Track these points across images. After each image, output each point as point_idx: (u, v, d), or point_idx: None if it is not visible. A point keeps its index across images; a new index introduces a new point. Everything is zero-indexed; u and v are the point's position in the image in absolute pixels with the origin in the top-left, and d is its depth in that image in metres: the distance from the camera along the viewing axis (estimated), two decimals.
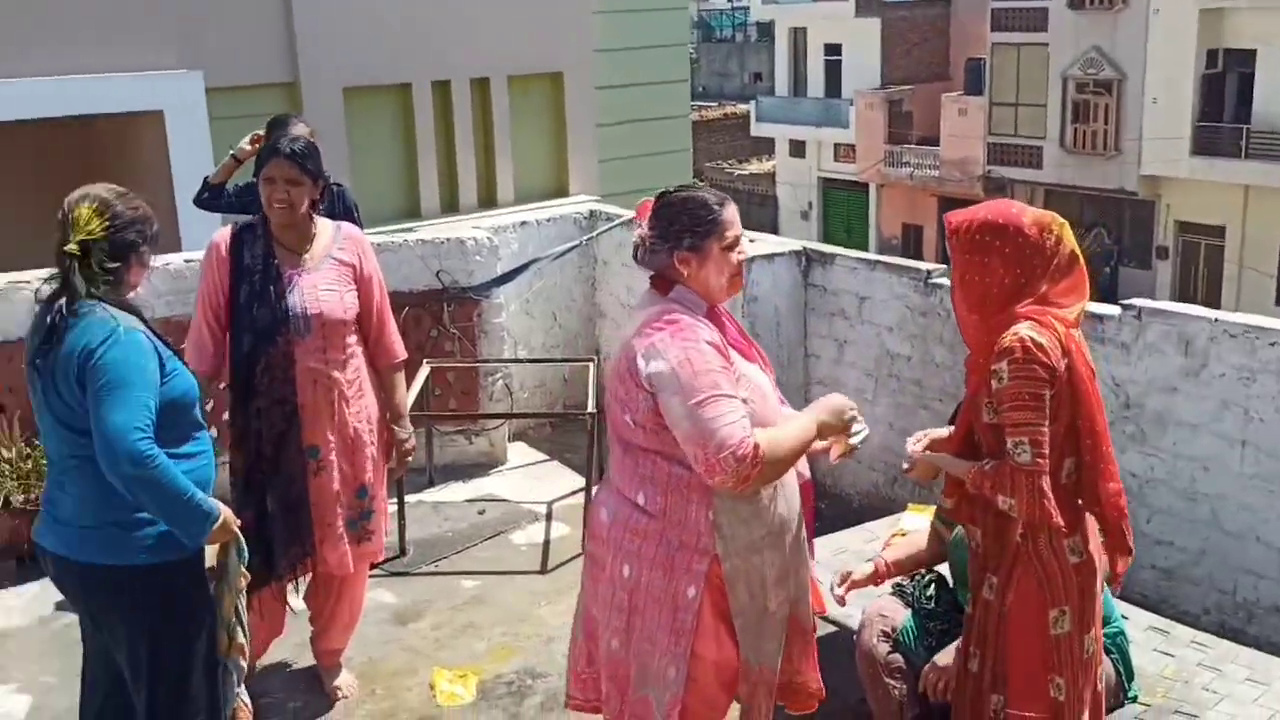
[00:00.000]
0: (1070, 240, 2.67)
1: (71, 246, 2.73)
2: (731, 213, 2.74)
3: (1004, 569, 2.71)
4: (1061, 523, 2.59)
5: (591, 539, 2.87)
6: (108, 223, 2.76)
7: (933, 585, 3.43)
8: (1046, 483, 2.55)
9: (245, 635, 3.03)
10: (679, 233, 2.70)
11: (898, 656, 3.33)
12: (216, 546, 2.96)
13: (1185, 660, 3.48)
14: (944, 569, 3.47)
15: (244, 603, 3.04)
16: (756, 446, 2.52)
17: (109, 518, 2.76)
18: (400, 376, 3.95)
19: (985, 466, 2.63)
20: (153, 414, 2.68)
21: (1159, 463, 4.26)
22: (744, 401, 2.61)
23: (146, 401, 2.67)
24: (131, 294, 2.88)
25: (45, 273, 5.09)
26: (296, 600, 3.96)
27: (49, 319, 2.73)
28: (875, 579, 3.38)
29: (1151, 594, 4.19)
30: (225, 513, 2.87)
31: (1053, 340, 2.56)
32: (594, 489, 3.00)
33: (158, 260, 5.39)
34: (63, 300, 2.73)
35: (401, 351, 3.95)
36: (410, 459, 4.00)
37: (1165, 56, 24.77)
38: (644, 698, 2.79)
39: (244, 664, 3.06)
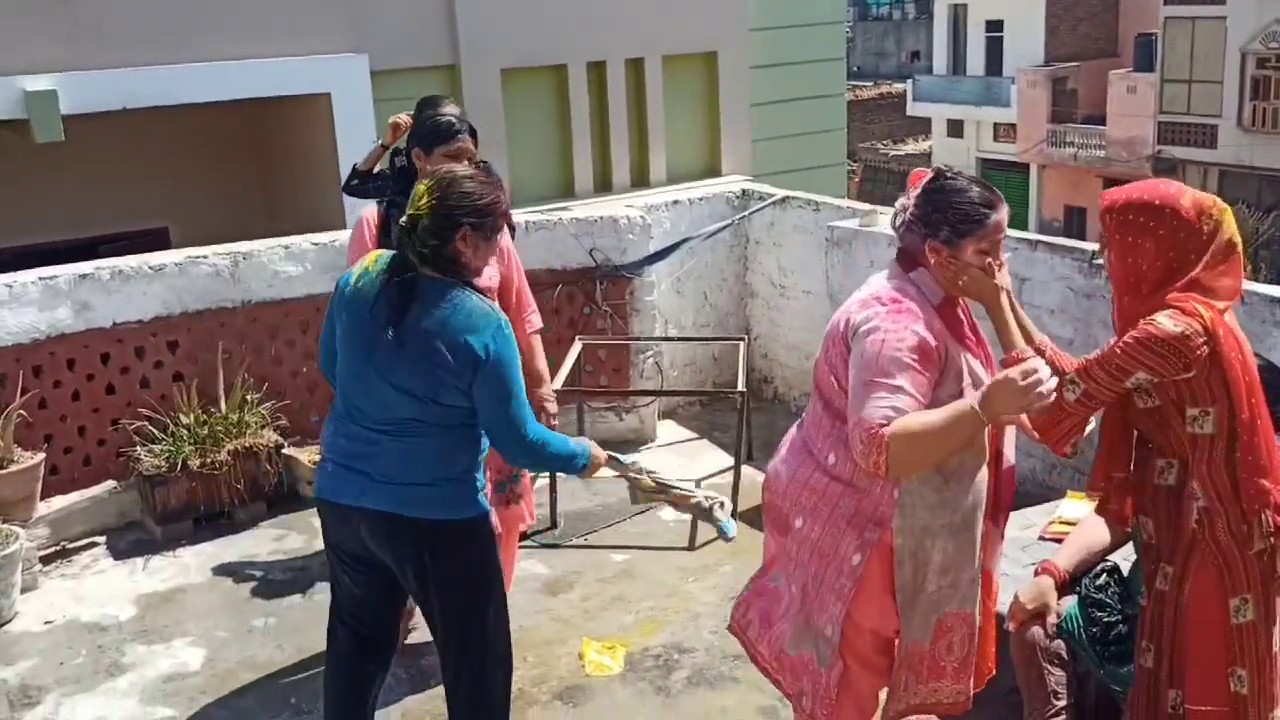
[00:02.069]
0: (1231, 226, 2.56)
1: (403, 220, 2.85)
2: (1000, 217, 2.67)
3: (1179, 558, 2.62)
4: (1067, 451, 2.60)
5: (769, 490, 2.93)
6: (434, 200, 2.83)
7: (1104, 574, 3.31)
8: (1072, 421, 2.54)
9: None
10: (939, 222, 2.65)
11: (1060, 644, 3.24)
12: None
13: None
14: (1115, 556, 3.36)
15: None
16: (883, 435, 2.48)
17: (439, 474, 2.88)
18: (539, 343, 4.11)
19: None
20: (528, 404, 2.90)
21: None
22: (951, 398, 2.59)
23: (524, 388, 2.89)
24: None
25: (224, 248, 5.41)
26: None
27: (399, 290, 2.81)
28: (1059, 589, 3.28)
29: None
30: (594, 451, 3.09)
31: (1193, 326, 2.47)
32: (783, 443, 2.98)
33: (322, 236, 5.64)
34: (406, 275, 2.83)
35: (539, 320, 4.10)
36: (555, 422, 4.11)
37: None
38: (804, 655, 2.86)
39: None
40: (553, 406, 4.11)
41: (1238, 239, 2.58)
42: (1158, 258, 2.53)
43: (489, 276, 3.80)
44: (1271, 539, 2.56)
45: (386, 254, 2.95)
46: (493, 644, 3.06)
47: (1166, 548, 2.64)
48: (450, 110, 4.62)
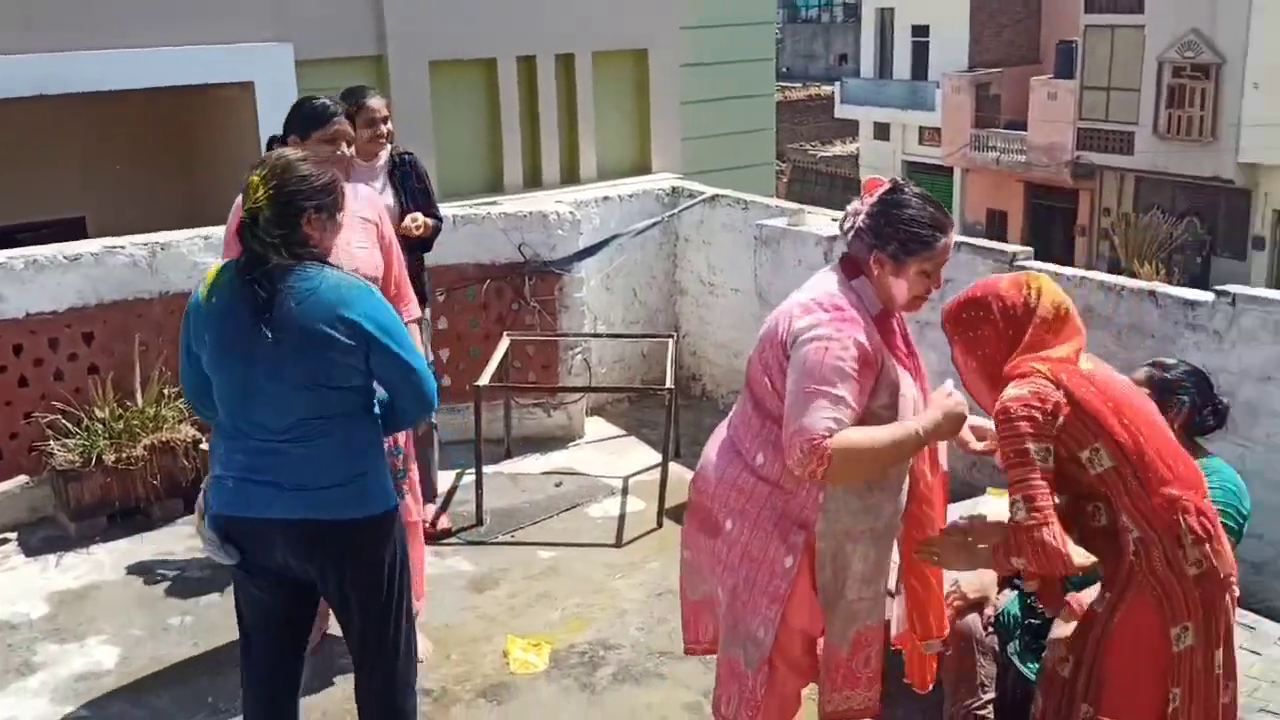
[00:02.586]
0: (1051, 293, 2.73)
1: (243, 216, 2.77)
2: (948, 241, 2.72)
3: (1117, 587, 2.66)
4: (1081, 565, 2.58)
5: (696, 491, 2.91)
6: (272, 190, 2.76)
7: None
8: (1049, 532, 2.53)
9: None
10: (889, 237, 2.67)
11: (994, 637, 3.30)
12: None
13: (1272, 658, 3.39)
14: None
15: None
16: (825, 447, 2.52)
17: (350, 473, 2.82)
18: (417, 332, 4.04)
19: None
20: None
21: (1250, 454, 4.15)
22: (883, 408, 2.64)
23: (412, 339, 2.90)
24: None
25: (142, 238, 5.29)
26: None
27: (259, 285, 2.72)
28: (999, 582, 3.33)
29: (1239, 589, 4.07)
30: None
31: (1035, 384, 2.59)
32: (708, 444, 2.95)
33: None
34: (268, 269, 2.74)
35: (417, 310, 4.08)
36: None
37: (1269, 40, 23.97)
38: (731, 656, 2.85)
39: None
40: None
41: (1062, 301, 2.73)
42: (999, 340, 2.69)
43: (374, 267, 3.76)
44: (1202, 554, 2.60)
45: (225, 264, 2.88)
46: (407, 640, 3.04)
47: (1109, 579, 2.70)
48: (373, 101, 4.60)
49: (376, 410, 2.93)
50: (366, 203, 3.86)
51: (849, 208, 2.76)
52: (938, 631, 3.01)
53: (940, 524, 2.92)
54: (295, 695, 3.08)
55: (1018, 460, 2.56)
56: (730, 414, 2.94)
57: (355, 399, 2.83)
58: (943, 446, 2.95)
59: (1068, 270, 4.76)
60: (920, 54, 33.09)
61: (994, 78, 31.38)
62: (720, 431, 2.94)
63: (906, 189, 2.73)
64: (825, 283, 2.71)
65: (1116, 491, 2.60)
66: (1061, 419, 2.57)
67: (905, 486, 2.83)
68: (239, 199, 3.74)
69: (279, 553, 2.87)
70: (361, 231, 3.77)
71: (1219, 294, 4.25)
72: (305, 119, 3.75)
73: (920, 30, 32.98)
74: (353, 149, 3.84)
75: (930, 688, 3.13)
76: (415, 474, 4.05)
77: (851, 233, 2.73)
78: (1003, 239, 28.39)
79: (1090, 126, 27.98)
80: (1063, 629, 3.09)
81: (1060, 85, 28.95)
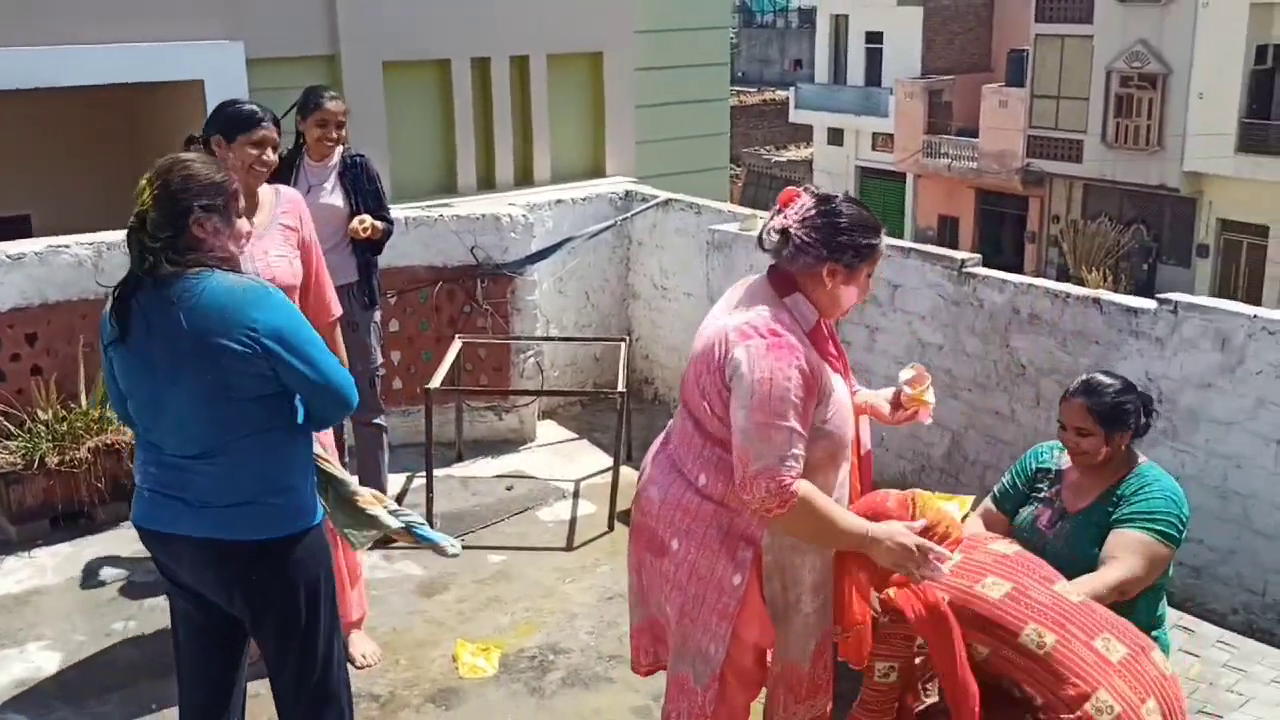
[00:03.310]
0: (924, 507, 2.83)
1: (130, 220, 2.66)
2: (885, 244, 2.75)
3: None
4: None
5: (640, 513, 2.87)
6: (157, 190, 2.65)
7: None
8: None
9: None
10: (843, 247, 2.63)
11: None
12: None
13: (1211, 660, 3.46)
14: None
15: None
16: (794, 493, 2.53)
17: (257, 492, 2.71)
18: (338, 333, 4.02)
19: None
20: None
21: (1190, 459, 4.22)
22: (824, 423, 2.63)
23: (316, 336, 2.76)
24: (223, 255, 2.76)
25: (87, 238, 5.21)
26: None
27: (135, 297, 2.63)
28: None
29: (1178, 592, 4.15)
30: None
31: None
32: (647, 461, 2.93)
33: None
34: (156, 278, 2.63)
35: (339, 308, 4.02)
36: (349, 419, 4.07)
37: (1213, 51, 24.44)
38: (681, 675, 2.83)
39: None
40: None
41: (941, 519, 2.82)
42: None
43: (293, 275, 3.70)
44: None
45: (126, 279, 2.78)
46: (329, 667, 2.91)
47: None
48: (330, 104, 4.57)
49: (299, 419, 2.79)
50: (289, 204, 3.81)
51: (772, 224, 2.67)
52: (862, 616, 2.99)
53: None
54: (227, 704, 2.97)
55: None
56: (667, 429, 2.90)
57: (266, 414, 2.69)
58: (865, 426, 2.99)
59: (1015, 277, 4.82)
60: (874, 60, 33.37)
61: (946, 85, 31.72)
62: (657, 448, 2.91)
63: (835, 197, 2.70)
64: (756, 303, 2.66)
65: None
66: None
67: (845, 498, 2.83)
68: None
69: (185, 569, 2.81)
70: (280, 237, 3.72)
71: (1161, 302, 4.33)
72: (231, 121, 3.66)
73: (874, 37, 33.26)
74: (276, 156, 3.75)
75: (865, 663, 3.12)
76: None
77: (793, 249, 2.65)
78: (954, 245, 28.79)
79: (1040, 134, 28.36)
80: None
81: (1011, 93, 29.33)
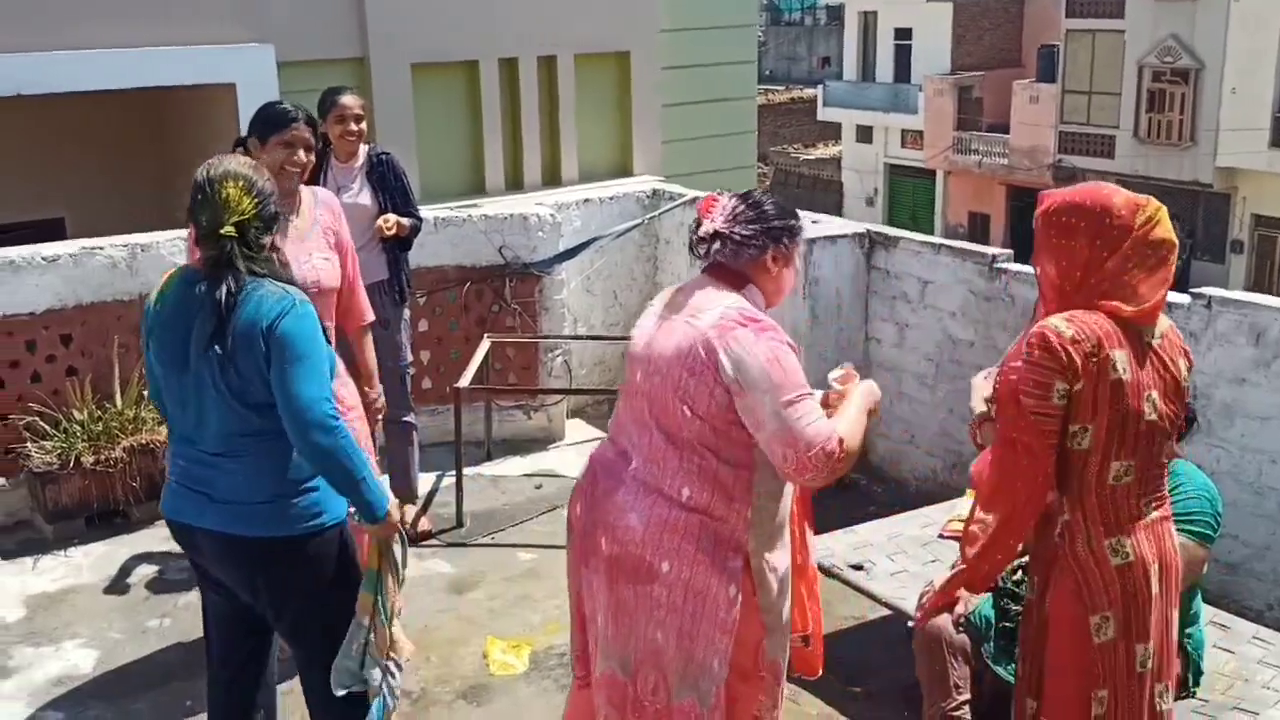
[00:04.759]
0: (1167, 229, 2.51)
1: (228, 229, 2.72)
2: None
3: (1042, 569, 2.60)
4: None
5: (617, 543, 2.71)
6: (256, 200, 2.76)
7: (1020, 570, 3.36)
8: (1030, 466, 2.47)
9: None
10: (779, 231, 2.71)
11: (965, 638, 3.31)
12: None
13: (1246, 657, 3.42)
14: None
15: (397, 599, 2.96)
16: (841, 441, 2.54)
17: (278, 491, 2.77)
18: (369, 339, 4.05)
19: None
20: (330, 385, 2.75)
21: (1225, 455, 4.18)
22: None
23: (325, 371, 2.74)
24: None
25: (121, 239, 5.26)
26: None
27: (219, 303, 2.69)
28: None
29: (1213, 588, 4.11)
30: (393, 505, 2.84)
31: (1084, 332, 2.44)
32: (591, 496, 2.81)
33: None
34: (229, 282, 2.70)
35: (371, 314, 4.05)
36: (380, 418, 4.11)
37: (1246, 45, 24.17)
38: (685, 704, 2.74)
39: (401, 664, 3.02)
40: (380, 403, 4.05)
41: (1170, 241, 2.52)
42: (1090, 256, 2.49)
43: (335, 279, 3.76)
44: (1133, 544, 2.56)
45: (177, 270, 2.86)
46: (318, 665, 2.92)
47: (1036, 557, 2.64)
48: (347, 100, 4.60)
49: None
50: (326, 207, 3.86)
51: (704, 230, 2.70)
52: (802, 625, 3.03)
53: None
54: (255, 687, 3.04)
55: (1039, 392, 2.44)
56: (613, 460, 2.80)
57: (278, 418, 2.73)
58: None
59: None
60: (903, 57, 33.21)
61: (976, 81, 31.52)
62: (601, 481, 2.79)
63: (753, 192, 2.80)
64: (717, 300, 2.66)
65: (1072, 474, 2.52)
66: (1082, 384, 2.44)
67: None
68: None
69: (210, 562, 2.88)
70: (322, 240, 3.77)
71: (1195, 296, 4.29)
72: (264, 122, 3.73)
73: (903, 33, 33.10)
74: (311, 156, 3.80)
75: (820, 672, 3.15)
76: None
77: (732, 248, 2.69)
78: (985, 242, 28.62)
79: (1071, 130, 28.13)
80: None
81: (1042, 89, 29.12)
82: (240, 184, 2.76)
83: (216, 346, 2.69)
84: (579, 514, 2.83)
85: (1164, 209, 2.54)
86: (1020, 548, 3.31)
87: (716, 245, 2.69)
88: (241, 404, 2.73)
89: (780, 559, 2.76)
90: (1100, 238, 2.49)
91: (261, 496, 2.77)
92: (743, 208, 2.72)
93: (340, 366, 3.83)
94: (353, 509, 2.86)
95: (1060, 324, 2.45)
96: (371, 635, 2.88)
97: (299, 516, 2.79)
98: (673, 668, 2.74)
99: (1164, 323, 2.59)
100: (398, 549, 2.89)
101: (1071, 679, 2.56)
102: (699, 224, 2.72)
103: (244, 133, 3.91)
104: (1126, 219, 2.48)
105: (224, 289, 2.69)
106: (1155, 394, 2.53)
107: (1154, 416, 2.53)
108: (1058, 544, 2.56)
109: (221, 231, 2.73)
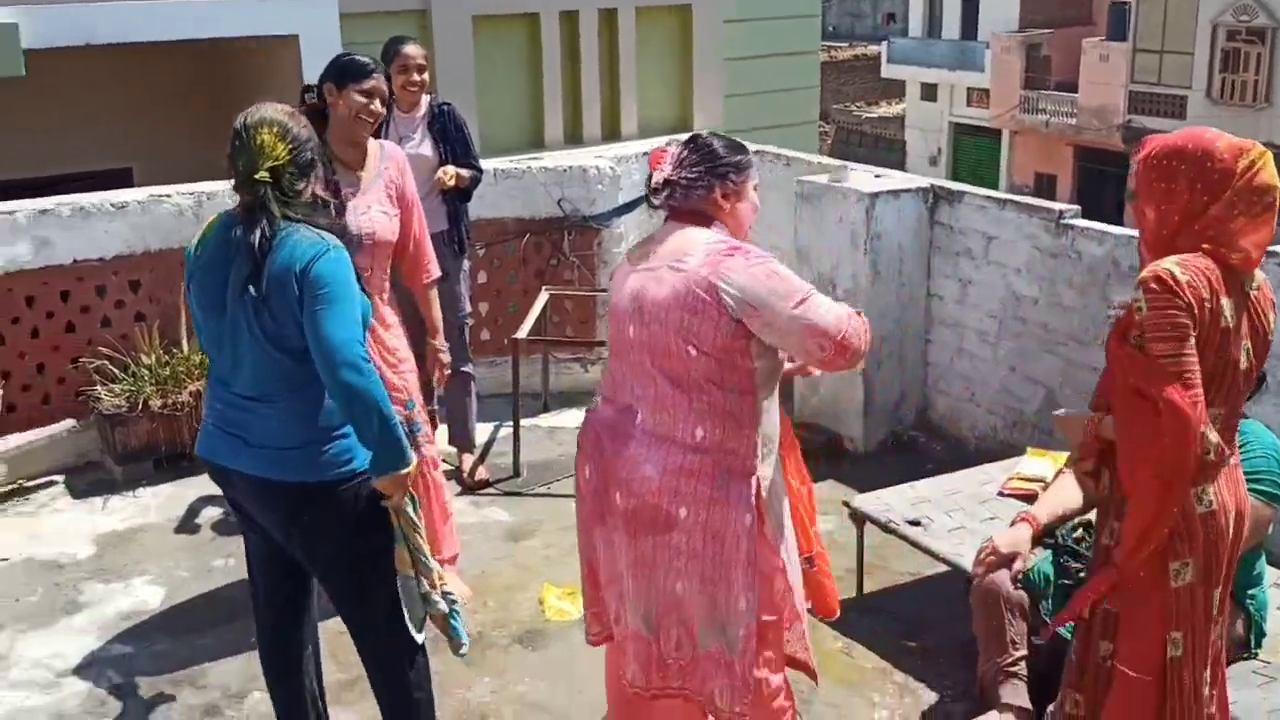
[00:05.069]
0: (1271, 174, 2.46)
1: (263, 174, 2.74)
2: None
3: (1126, 515, 2.58)
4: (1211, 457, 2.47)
5: (633, 496, 2.74)
6: (291, 145, 2.78)
7: (1080, 528, 3.34)
8: (1202, 412, 2.37)
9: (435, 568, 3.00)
10: (725, 167, 2.79)
11: (1023, 594, 3.28)
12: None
13: None
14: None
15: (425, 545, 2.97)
16: (865, 321, 2.75)
17: (310, 437, 2.80)
18: (435, 294, 4.06)
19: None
20: (362, 329, 2.75)
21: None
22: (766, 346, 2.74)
23: (358, 316, 2.74)
24: None
25: (187, 188, 5.34)
26: None
27: (254, 247, 2.72)
28: (1033, 541, 3.29)
29: (1278, 550, 4.04)
30: (411, 468, 2.82)
31: (1198, 278, 2.40)
32: (599, 458, 2.83)
33: None
34: (263, 226, 2.73)
35: (438, 270, 4.05)
36: (446, 372, 4.13)
37: None
38: (713, 651, 2.76)
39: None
40: (445, 357, 4.08)
41: (1275, 186, 2.47)
42: (1190, 200, 2.45)
43: (391, 233, 3.77)
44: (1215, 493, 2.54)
45: (222, 215, 2.87)
46: (383, 598, 2.94)
47: (1117, 504, 2.62)
48: (410, 50, 4.61)
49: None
50: (392, 160, 3.87)
51: (657, 179, 2.77)
52: (807, 547, 3.08)
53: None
54: (299, 626, 3.10)
55: (1173, 335, 2.38)
56: (615, 418, 2.82)
57: (313, 366, 2.74)
58: None
59: (1115, 229, 4.70)
60: (970, 13, 32.59)
61: (1044, 38, 30.84)
62: (617, 438, 2.79)
63: (699, 135, 2.85)
64: (697, 240, 2.72)
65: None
66: (1195, 329, 2.41)
67: (776, 418, 2.87)
68: None
69: (246, 503, 2.94)
70: (384, 193, 3.79)
71: (1269, 255, 4.17)
72: (343, 70, 3.76)
73: None
74: (384, 108, 3.83)
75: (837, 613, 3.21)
76: (429, 429, 4.06)
77: (685, 191, 2.76)
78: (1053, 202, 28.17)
79: (1142, 90, 27.49)
80: (1009, 537, 3.21)
81: (1112, 47, 28.43)
82: (275, 130, 2.77)
83: (251, 289, 2.71)
84: (588, 477, 2.86)
85: (1269, 154, 2.49)
86: (1083, 503, 3.31)
87: (667, 192, 2.79)
88: (276, 348, 2.75)
89: (768, 470, 2.81)
90: (1201, 181, 2.45)
91: (294, 442, 2.80)
92: (688, 153, 2.80)
93: (394, 319, 3.87)
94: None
95: (1173, 267, 2.41)
96: (421, 579, 2.93)
97: (330, 463, 2.81)
98: (696, 617, 2.76)
99: (1259, 274, 2.55)
100: (410, 509, 2.87)
101: (1148, 620, 2.56)
102: (650, 176, 2.80)
103: (309, 82, 3.93)
104: (1229, 163, 2.44)
105: (258, 233, 2.72)
106: (1248, 344, 2.51)
107: (1245, 366, 2.52)
108: None
109: (256, 177, 2.74)
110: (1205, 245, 2.45)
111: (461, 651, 3.08)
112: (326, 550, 2.91)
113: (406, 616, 2.95)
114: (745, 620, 2.73)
